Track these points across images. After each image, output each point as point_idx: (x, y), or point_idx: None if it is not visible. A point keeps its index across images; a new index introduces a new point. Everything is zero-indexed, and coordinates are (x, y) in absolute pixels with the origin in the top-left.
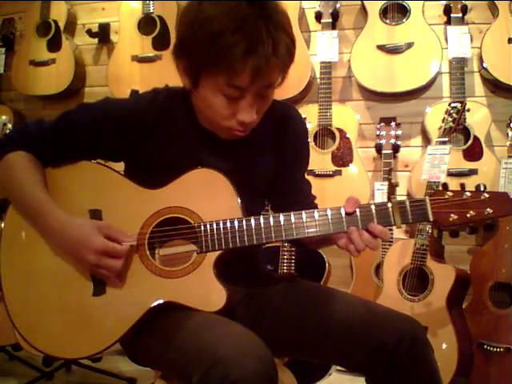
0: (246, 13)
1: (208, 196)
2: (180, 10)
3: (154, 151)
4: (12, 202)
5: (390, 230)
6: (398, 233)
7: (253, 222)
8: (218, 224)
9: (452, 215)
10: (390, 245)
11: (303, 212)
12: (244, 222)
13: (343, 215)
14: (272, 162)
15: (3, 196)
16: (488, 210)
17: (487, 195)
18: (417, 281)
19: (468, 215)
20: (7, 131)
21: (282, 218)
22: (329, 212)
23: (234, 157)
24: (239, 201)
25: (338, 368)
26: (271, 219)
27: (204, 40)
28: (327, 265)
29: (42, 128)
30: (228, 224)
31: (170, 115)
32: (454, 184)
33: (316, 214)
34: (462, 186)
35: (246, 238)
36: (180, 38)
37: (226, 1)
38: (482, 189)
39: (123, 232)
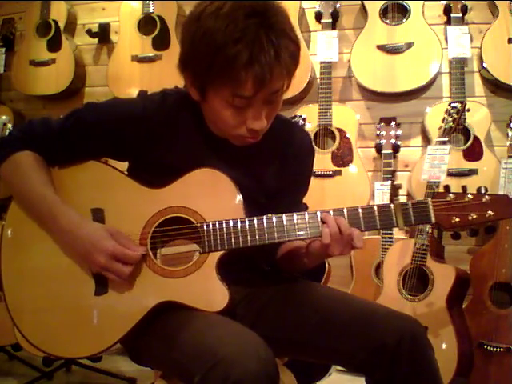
0: (246, 23)
1: (210, 196)
2: (180, 9)
3: (159, 154)
4: (17, 201)
5: (390, 229)
6: (398, 233)
7: (255, 222)
8: (220, 224)
9: (454, 217)
10: (390, 245)
11: (306, 213)
12: (247, 222)
13: (346, 216)
14: (275, 177)
15: (7, 194)
16: (489, 212)
17: (489, 198)
18: (417, 281)
19: (470, 218)
20: (7, 131)
21: (284, 218)
22: (331, 213)
23: (240, 165)
24: (242, 201)
25: (338, 368)
26: (274, 219)
27: (206, 54)
28: (327, 265)
29: (49, 127)
30: (231, 224)
31: (178, 119)
32: (454, 184)
33: (319, 215)
34: (464, 188)
35: (248, 239)
36: (183, 54)
37: (224, 13)
38: (484, 191)
39: (134, 242)
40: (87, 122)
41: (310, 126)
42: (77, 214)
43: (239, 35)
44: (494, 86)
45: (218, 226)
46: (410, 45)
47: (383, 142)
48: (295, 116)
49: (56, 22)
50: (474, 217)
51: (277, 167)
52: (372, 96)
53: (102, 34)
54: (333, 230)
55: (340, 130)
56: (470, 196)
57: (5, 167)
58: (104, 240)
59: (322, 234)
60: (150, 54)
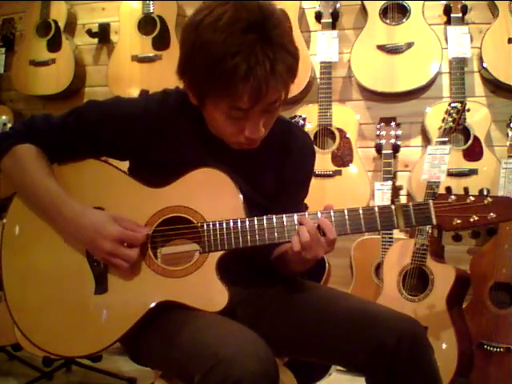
0: (243, 37)
1: (211, 196)
2: (180, 9)
3: (160, 153)
4: (19, 194)
5: (391, 230)
6: (398, 233)
7: (256, 222)
8: (220, 224)
9: (455, 219)
10: (390, 245)
11: (306, 213)
12: (247, 222)
13: (347, 217)
14: (275, 178)
15: (7, 193)
16: (491, 214)
17: (490, 200)
18: (417, 281)
19: (471, 220)
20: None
21: (284, 218)
22: (332, 213)
23: (240, 166)
24: (242, 201)
25: (338, 368)
26: (274, 220)
27: (203, 66)
28: (327, 265)
29: (50, 123)
30: (231, 224)
31: (178, 119)
32: (454, 184)
33: (319, 215)
34: (466, 189)
35: (248, 239)
36: (181, 61)
37: (222, 25)
38: (486, 193)
39: (137, 223)
40: (88, 120)
41: (310, 126)
42: (79, 203)
43: (236, 49)
44: (494, 86)
45: (218, 225)
46: (410, 45)
47: (383, 142)
48: (295, 116)
49: (56, 22)
50: (476, 219)
51: (277, 168)
52: (372, 96)
53: (102, 34)
54: (303, 238)
55: (340, 130)
56: (471, 198)
57: (7, 159)
58: (108, 225)
59: (291, 241)
60: (150, 54)
